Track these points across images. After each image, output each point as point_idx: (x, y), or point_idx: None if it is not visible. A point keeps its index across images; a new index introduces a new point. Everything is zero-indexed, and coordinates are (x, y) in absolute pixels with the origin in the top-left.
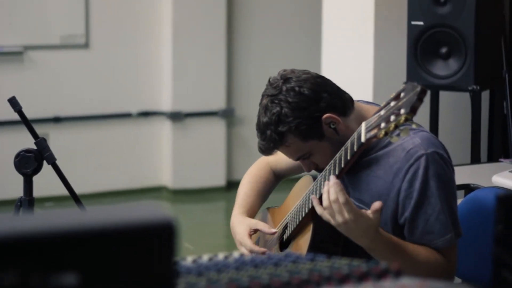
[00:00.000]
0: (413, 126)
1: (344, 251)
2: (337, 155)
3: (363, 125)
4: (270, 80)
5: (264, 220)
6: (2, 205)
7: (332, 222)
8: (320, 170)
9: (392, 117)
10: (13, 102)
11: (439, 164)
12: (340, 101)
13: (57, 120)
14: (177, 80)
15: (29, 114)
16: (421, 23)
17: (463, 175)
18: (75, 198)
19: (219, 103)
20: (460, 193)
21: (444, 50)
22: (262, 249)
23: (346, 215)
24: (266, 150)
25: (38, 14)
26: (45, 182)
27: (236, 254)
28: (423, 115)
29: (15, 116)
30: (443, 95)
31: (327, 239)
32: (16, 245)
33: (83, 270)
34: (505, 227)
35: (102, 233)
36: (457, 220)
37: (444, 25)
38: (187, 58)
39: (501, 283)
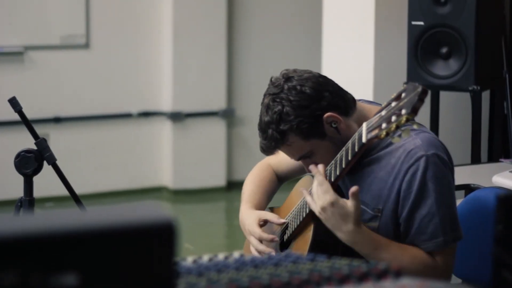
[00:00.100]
0: (415, 126)
1: (345, 252)
2: (338, 155)
3: (364, 125)
4: (272, 79)
5: None
6: (3, 206)
7: (313, 207)
8: None
9: (393, 118)
10: (13, 102)
11: (438, 166)
12: (341, 100)
13: (57, 120)
14: (178, 80)
15: (30, 115)
16: (421, 23)
17: (463, 175)
18: (75, 198)
19: (219, 103)
20: (460, 193)
21: (444, 50)
22: (271, 236)
23: (322, 197)
24: (268, 149)
25: (39, 14)
26: (46, 183)
27: (236, 255)
28: (423, 115)
29: (16, 117)
30: (444, 95)
31: (328, 239)
32: (16, 245)
33: (83, 270)
34: (505, 227)
35: (102, 233)
36: (456, 224)
37: (444, 25)
38: (188, 58)
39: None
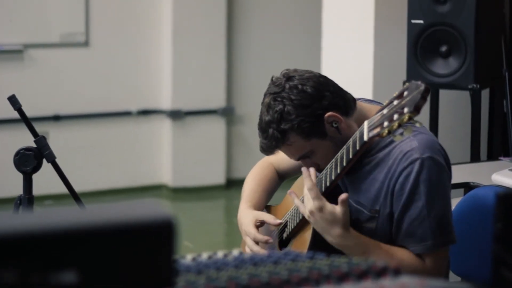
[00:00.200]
0: (417, 125)
1: None
2: (339, 153)
3: (366, 123)
4: (273, 79)
5: None
6: (2, 203)
7: (302, 210)
8: (321, 171)
9: (396, 116)
10: (13, 100)
11: (433, 170)
12: (342, 100)
13: (57, 118)
14: (177, 78)
15: (29, 112)
16: (421, 21)
17: (463, 173)
18: (74, 196)
19: (219, 101)
20: (460, 191)
21: (444, 48)
22: (266, 238)
23: (311, 201)
24: (268, 149)
25: (38, 12)
26: (45, 180)
27: (235, 252)
28: (423, 114)
29: (15, 114)
30: (443, 93)
31: None
32: (15, 243)
33: (83, 268)
34: (504, 225)
35: (101, 231)
36: (447, 228)
37: (444, 23)
38: (187, 56)
39: (500, 281)
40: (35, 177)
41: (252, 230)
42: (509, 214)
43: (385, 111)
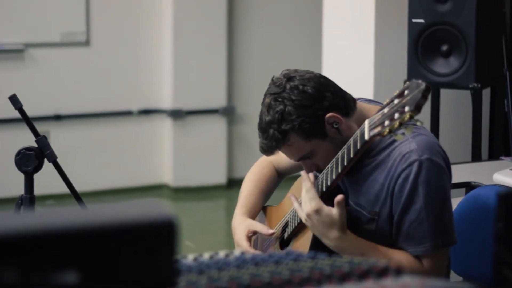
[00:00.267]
0: (418, 123)
1: None
2: (339, 153)
3: (366, 122)
4: (273, 79)
5: (261, 219)
6: (3, 203)
7: (299, 213)
8: (321, 171)
9: (396, 115)
10: (13, 100)
11: (431, 172)
12: (342, 101)
13: (58, 118)
14: (178, 77)
15: (30, 112)
16: (421, 21)
17: (464, 173)
18: (76, 196)
19: (219, 101)
20: (461, 191)
21: (445, 48)
22: (256, 252)
23: (308, 204)
24: (268, 149)
25: (39, 11)
26: (46, 180)
27: (237, 252)
28: (423, 113)
29: (16, 114)
30: (444, 93)
31: None
32: (17, 243)
33: (83, 268)
34: (505, 225)
35: (103, 231)
36: (447, 229)
37: (444, 22)
38: (188, 55)
39: (501, 281)
40: (36, 177)
41: (244, 244)
42: (510, 213)
43: (386, 110)
